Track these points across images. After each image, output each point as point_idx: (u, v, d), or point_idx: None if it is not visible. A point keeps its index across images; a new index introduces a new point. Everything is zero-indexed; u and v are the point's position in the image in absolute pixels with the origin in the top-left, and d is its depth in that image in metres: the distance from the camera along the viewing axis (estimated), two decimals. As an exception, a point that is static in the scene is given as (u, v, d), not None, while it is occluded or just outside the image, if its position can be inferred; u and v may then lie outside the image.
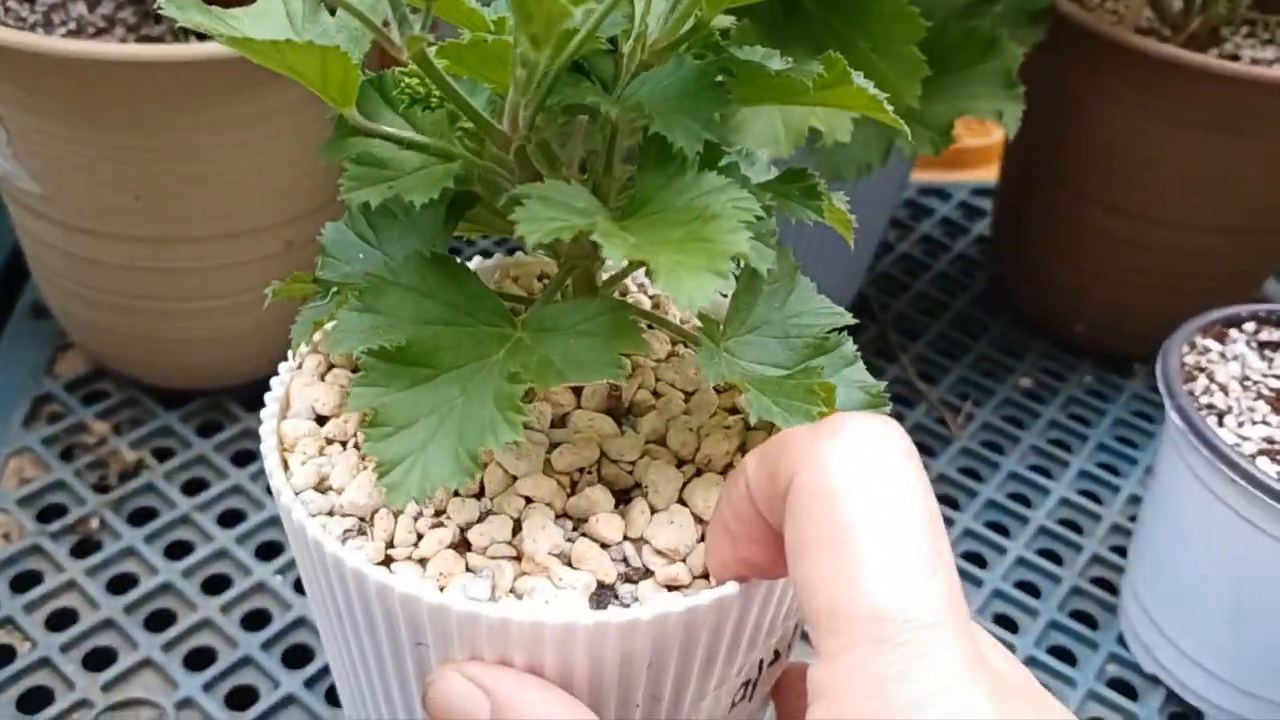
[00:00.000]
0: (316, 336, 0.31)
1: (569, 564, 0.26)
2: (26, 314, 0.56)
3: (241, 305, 0.48)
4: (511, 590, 0.26)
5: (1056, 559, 0.50)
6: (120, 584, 0.45)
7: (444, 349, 0.26)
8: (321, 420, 0.30)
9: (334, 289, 0.28)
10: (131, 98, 0.41)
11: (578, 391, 0.30)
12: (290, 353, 0.31)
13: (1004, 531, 0.52)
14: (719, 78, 0.26)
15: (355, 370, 0.30)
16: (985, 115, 0.44)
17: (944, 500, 0.52)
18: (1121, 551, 0.51)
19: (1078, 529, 0.52)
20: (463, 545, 0.27)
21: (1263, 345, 0.45)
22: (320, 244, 0.29)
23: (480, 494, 0.28)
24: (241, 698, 0.42)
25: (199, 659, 0.43)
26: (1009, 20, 0.48)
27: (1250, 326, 0.46)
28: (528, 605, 0.25)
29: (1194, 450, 0.40)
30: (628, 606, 0.26)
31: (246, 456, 0.51)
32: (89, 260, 0.46)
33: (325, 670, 0.43)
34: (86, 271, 0.46)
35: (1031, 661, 0.46)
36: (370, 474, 0.27)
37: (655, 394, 0.31)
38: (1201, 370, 0.44)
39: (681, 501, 0.28)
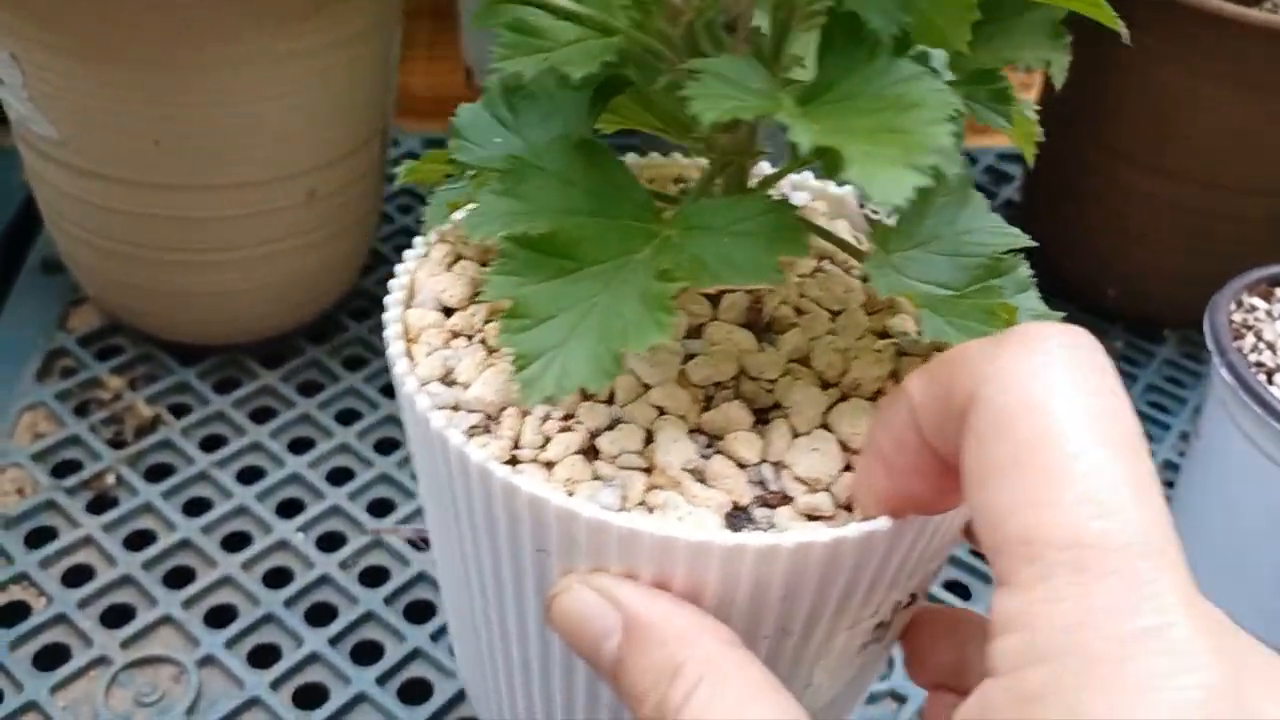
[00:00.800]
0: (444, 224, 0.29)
1: (702, 481, 0.25)
2: (37, 269, 0.55)
3: (261, 257, 0.47)
4: (641, 503, 0.25)
5: (1091, 524, 0.49)
6: (138, 540, 0.44)
7: (587, 241, 0.24)
8: (448, 311, 0.28)
9: (471, 172, 0.27)
10: (150, 36, 0.39)
11: (715, 302, 0.29)
12: (423, 238, 0.30)
13: (1037, 496, 0.51)
14: None
15: (484, 263, 0.29)
16: (1032, 64, 0.43)
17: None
18: (1157, 517, 0.50)
19: (1112, 494, 0.51)
20: (590, 452, 0.25)
21: (1310, 304, 0.44)
22: (453, 125, 0.27)
23: (610, 401, 0.26)
24: (265, 655, 0.41)
25: (220, 616, 0.42)
26: (1054, -31, 0.46)
27: (1298, 285, 0.45)
28: (660, 519, 0.24)
29: (1244, 407, 0.39)
30: (764, 531, 0.24)
31: (265, 413, 0.49)
32: (106, 208, 0.44)
33: (349, 629, 0.42)
34: (103, 220, 0.45)
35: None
36: (498, 370, 0.26)
37: (798, 310, 0.29)
38: (1249, 328, 0.42)
39: (825, 427, 0.27)
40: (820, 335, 0.28)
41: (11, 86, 0.43)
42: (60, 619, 0.41)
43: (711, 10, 0.24)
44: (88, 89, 0.41)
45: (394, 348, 0.27)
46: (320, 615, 0.42)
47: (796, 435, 0.26)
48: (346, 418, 0.50)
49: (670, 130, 0.29)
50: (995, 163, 0.71)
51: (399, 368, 0.27)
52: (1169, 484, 0.51)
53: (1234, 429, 0.40)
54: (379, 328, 0.53)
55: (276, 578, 0.43)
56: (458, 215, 0.29)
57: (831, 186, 0.34)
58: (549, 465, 0.25)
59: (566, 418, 0.26)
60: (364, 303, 0.55)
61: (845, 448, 0.26)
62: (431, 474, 0.27)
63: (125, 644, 0.40)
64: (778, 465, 0.26)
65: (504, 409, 0.26)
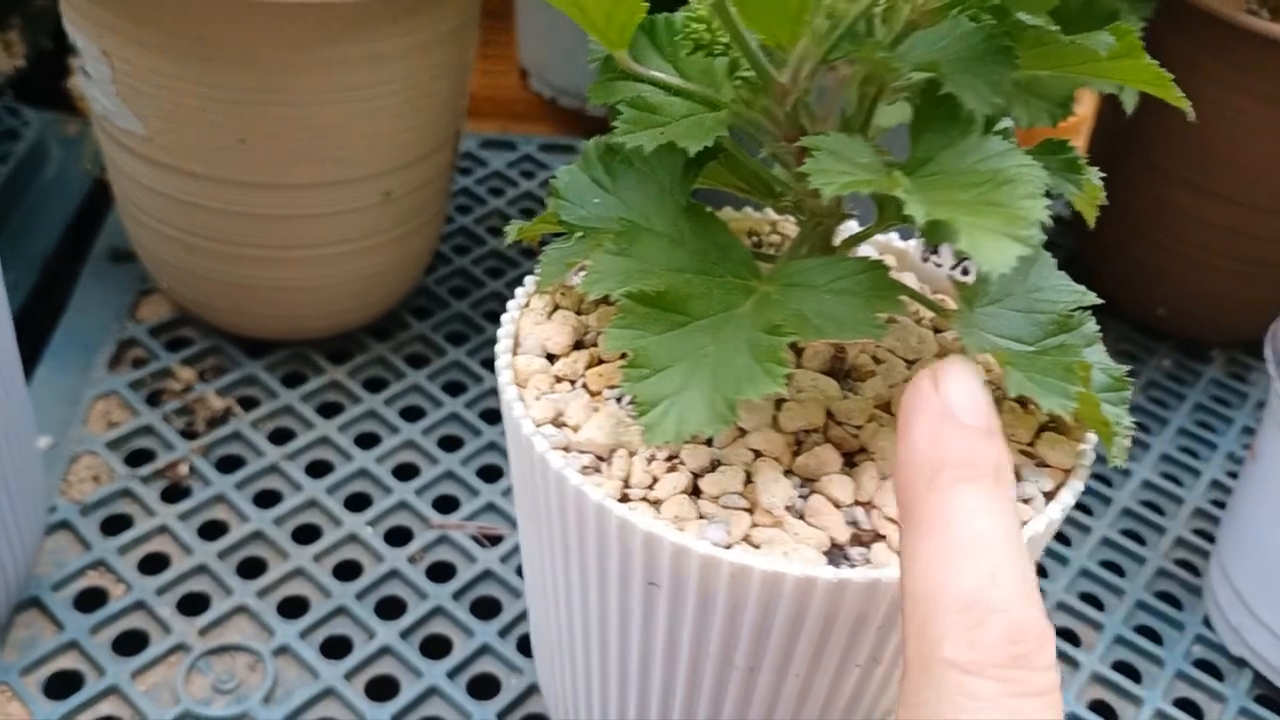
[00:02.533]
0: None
1: (802, 519, 0.27)
2: (104, 257, 0.56)
3: (336, 255, 0.47)
4: (746, 539, 0.26)
5: (1140, 540, 0.50)
6: (211, 530, 0.45)
7: (695, 297, 0.26)
8: (550, 358, 0.30)
9: (578, 232, 0.28)
10: (246, 36, 0.40)
11: (799, 352, 0.31)
12: (533, 286, 0.31)
13: (1089, 511, 0.51)
14: (1006, 42, 0.26)
15: (578, 311, 0.31)
16: (1105, 89, 0.43)
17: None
18: (1203, 534, 0.51)
19: (1160, 511, 0.52)
20: (694, 492, 0.27)
21: (1370, 331, 0.45)
22: (553, 186, 0.29)
23: (709, 443, 0.28)
24: (337, 647, 0.42)
25: (293, 607, 0.43)
26: (1124, -7, 0.47)
27: (1358, 312, 0.45)
28: (768, 555, 0.25)
29: (1307, 433, 0.40)
30: (862, 567, 0.26)
31: (332, 408, 0.50)
32: (188, 203, 0.45)
33: (419, 623, 0.43)
34: (185, 215, 0.46)
35: (1120, 640, 0.46)
36: (607, 414, 0.28)
37: (875, 360, 0.31)
38: (1311, 353, 0.43)
39: None
40: (899, 383, 0.30)
41: (99, 81, 0.43)
42: (139, 605, 0.42)
43: (808, 89, 0.26)
44: (177, 87, 0.42)
45: (508, 393, 0.29)
46: (390, 609, 0.43)
47: (884, 477, 0.28)
48: (410, 415, 0.51)
49: (753, 191, 0.30)
50: (1042, 177, 0.72)
51: (515, 411, 0.28)
52: (1218, 504, 0.52)
53: (1295, 453, 0.41)
54: (440, 326, 0.55)
55: (346, 570, 0.44)
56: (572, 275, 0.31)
57: (895, 241, 0.36)
58: (656, 504, 0.27)
59: (671, 459, 0.28)
60: (425, 301, 0.56)
61: None
62: (542, 510, 0.29)
63: (203, 631, 0.41)
64: (868, 506, 0.28)
65: (614, 450, 0.28)
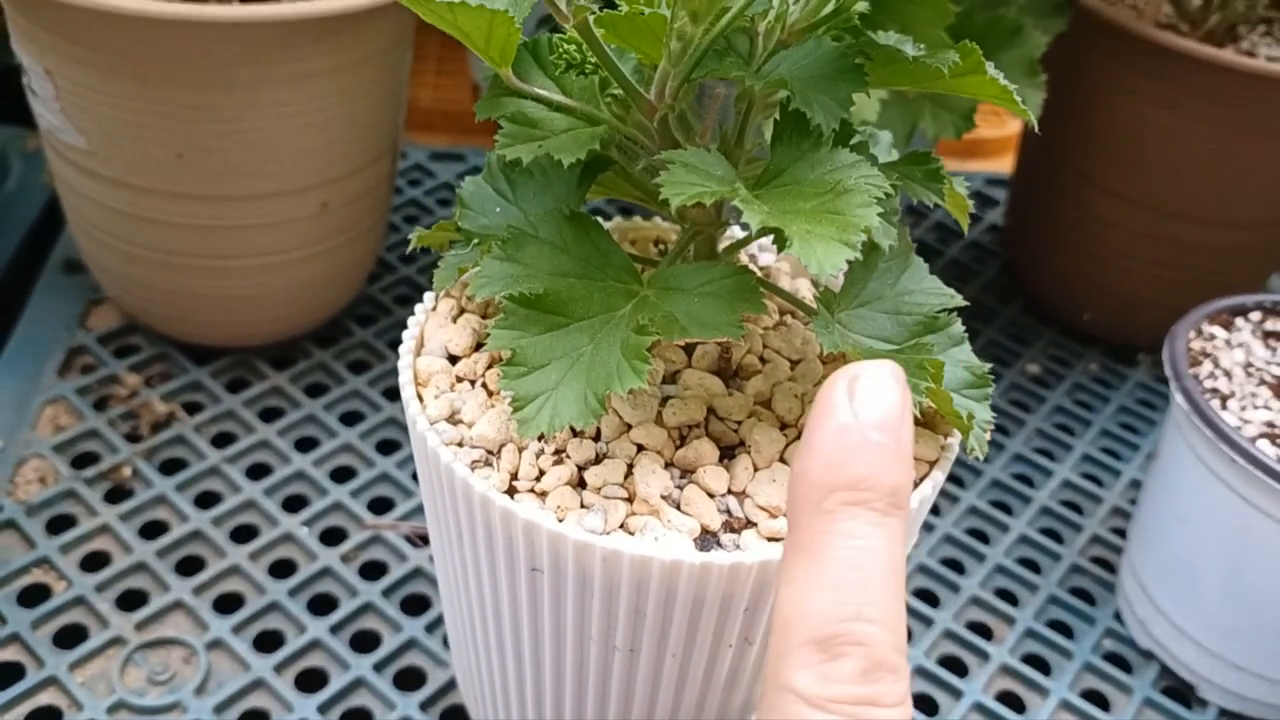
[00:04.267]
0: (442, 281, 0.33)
1: (677, 508, 0.29)
2: (59, 268, 0.57)
3: (275, 265, 0.49)
4: (622, 526, 0.28)
5: (1057, 538, 0.52)
6: (152, 530, 0.46)
7: (576, 300, 0.28)
8: (453, 359, 0.32)
9: (475, 239, 0.30)
10: (180, 55, 0.42)
11: (689, 351, 0.33)
12: (432, 294, 0.33)
13: (1008, 510, 0.53)
14: (857, 60, 0.28)
15: (484, 316, 0.33)
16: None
17: (951, 478, 0.53)
18: (1120, 533, 0.52)
19: (1079, 510, 0.54)
20: (579, 483, 0.29)
21: (1267, 335, 0.47)
22: (458, 196, 0.31)
23: (597, 438, 0.30)
24: (270, 641, 0.43)
25: (228, 603, 0.44)
26: (1033, 10, 0.49)
27: (1256, 316, 0.47)
28: (639, 540, 0.27)
29: (1197, 431, 0.42)
30: (730, 551, 0.28)
31: (273, 413, 0.52)
32: (130, 215, 0.47)
33: (350, 618, 0.44)
34: (127, 226, 0.47)
35: (1031, 634, 0.47)
36: (499, 411, 0.30)
37: (762, 360, 0.33)
38: (1207, 355, 0.45)
39: (783, 461, 0.30)
40: (781, 381, 0.32)
41: (44, 98, 0.45)
42: (79, 601, 0.43)
43: (683, 104, 0.28)
44: (116, 103, 0.43)
45: (406, 392, 0.31)
46: (322, 605, 0.45)
47: (758, 469, 0.30)
48: (350, 419, 0.52)
49: (648, 201, 0.32)
50: (982, 187, 0.74)
51: (411, 409, 0.30)
52: (1131, 501, 0.54)
53: (1188, 451, 0.43)
54: (383, 333, 0.56)
55: (281, 569, 0.46)
56: (464, 277, 0.32)
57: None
58: (542, 495, 0.29)
59: (558, 453, 0.30)
60: (369, 309, 0.58)
61: None
62: (439, 503, 0.31)
63: (139, 626, 0.43)
64: (741, 495, 0.30)
65: (503, 445, 0.30)
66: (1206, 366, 0.44)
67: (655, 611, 0.28)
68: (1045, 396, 0.59)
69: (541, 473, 0.29)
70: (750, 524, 0.29)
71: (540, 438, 0.30)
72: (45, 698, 0.40)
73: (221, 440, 0.50)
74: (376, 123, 0.48)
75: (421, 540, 0.47)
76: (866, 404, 0.20)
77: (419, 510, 0.49)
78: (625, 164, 0.31)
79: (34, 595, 0.44)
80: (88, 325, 0.54)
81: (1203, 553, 0.43)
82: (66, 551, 0.45)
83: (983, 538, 0.51)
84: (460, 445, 0.30)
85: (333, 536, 0.47)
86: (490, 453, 0.30)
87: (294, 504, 0.48)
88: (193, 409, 0.51)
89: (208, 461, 0.49)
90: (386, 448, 0.51)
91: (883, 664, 0.19)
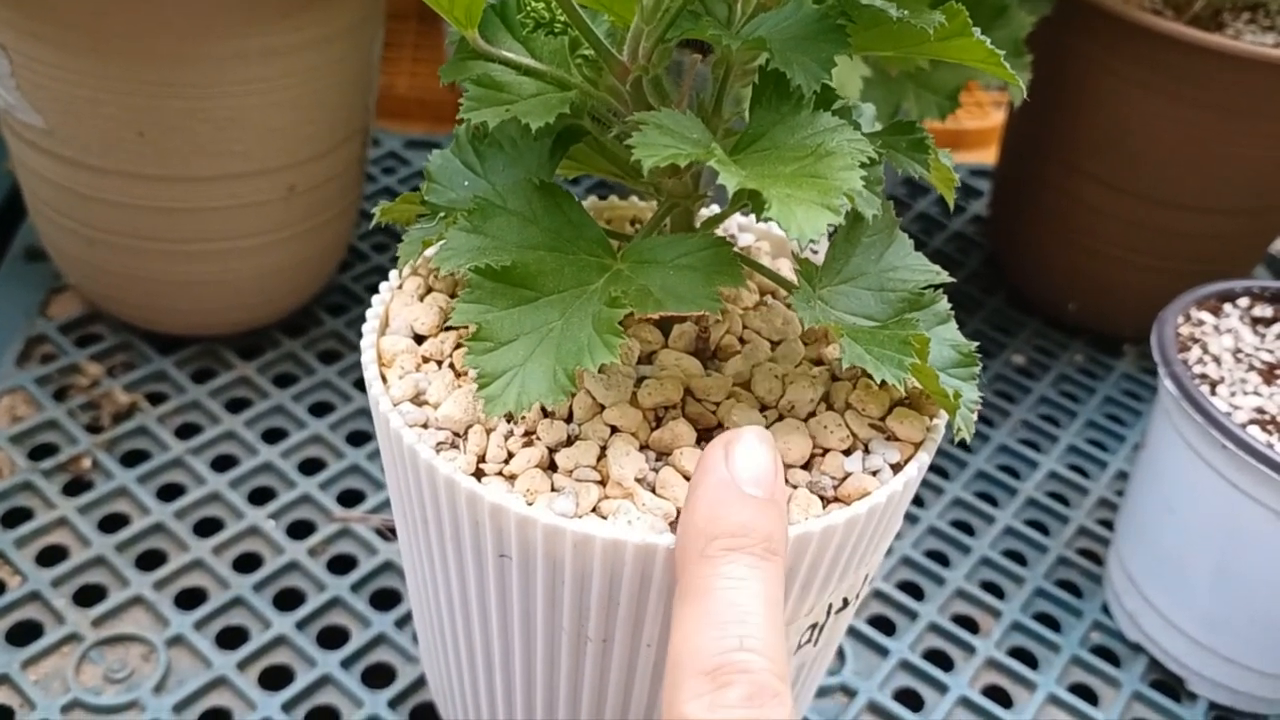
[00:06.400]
0: (417, 258, 0.32)
1: (652, 491, 0.27)
2: (20, 256, 0.56)
3: (242, 250, 0.48)
4: (594, 510, 0.27)
5: (1044, 529, 0.51)
6: (112, 523, 0.45)
7: (546, 273, 0.27)
8: (419, 339, 0.31)
9: (441, 212, 0.29)
10: (139, 28, 0.40)
11: (665, 331, 0.31)
12: (397, 270, 0.32)
13: (993, 502, 0.52)
14: (839, 21, 0.27)
15: (453, 295, 0.32)
16: (990, 83, 0.44)
17: (935, 469, 0.52)
18: (1107, 524, 0.51)
19: (1065, 501, 0.53)
20: (549, 466, 0.28)
21: (1255, 320, 0.46)
22: (426, 169, 0.30)
23: (569, 419, 0.29)
24: (233, 637, 0.42)
25: (190, 598, 0.43)
26: (1017, -9, 0.48)
27: (1244, 301, 0.46)
28: (611, 524, 0.26)
29: (1186, 417, 0.41)
30: None
31: (240, 403, 0.50)
32: (90, 197, 0.45)
33: (317, 613, 0.43)
34: (87, 209, 0.46)
35: (1017, 627, 0.46)
36: (466, 391, 0.29)
37: (741, 340, 0.32)
38: (1195, 341, 0.44)
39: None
40: (761, 362, 0.31)
41: (0, 75, 0.44)
42: (34, 597, 0.42)
43: (658, 67, 0.26)
44: (74, 79, 0.42)
45: (369, 371, 0.29)
46: (288, 600, 0.43)
47: None
48: (319, 410, 0.51)
49: (624, 176, 0.31)
50: (966, 178, 0.73)
51: (374, 390, 0.29)
52: (1117, 493, 0.53)
53: (1177, 438, 0.42)
54: (354, 323, 0.55)
55: (246, 563, 0.44)
56: (430, 251, 0.31)
57: (775, 228, 0.36)
58: (511, 478, 0.28)
59: (528, 434, 0.28)
60: (340, 298, 0.56)
61: (785, 463, 0.28)
62: (403, 486, 0.29)
63: (96, 622, 0.41)
64: None
65: (470, 426, 0.28)
66: (1195, 352, 0.44)
67: (629, 599, 0.27)
68: (1030, 387, 0.58)
69: (510, 455, 0.28)
70: None
71: (509, 418, 0.29)
72: (-3, 697, 0.39)
73: (186, 431, 0.49)
74: (345, 103, 0.47)
75: (392, 533, 0.46)
76: (741, 463, 0.23)
77: (389, 503, 0.47)
78: (597, 133, 0.30)
79: (-13, 591, 0.42)
80: (48, 314, 0.53)
81: (1192, 542, 0.42)
82: (22, 545, 0.43)
83: (968, 530, 0.50)
84: (425, 427, 0.29)
85: (301, 530, 0.46)
86: (457, 434, 0.29)
87: (260, 496, 0.47)
88: (156, 399, 0.50)
89: (171, 453, 0.47)
90: (357, 439, 0.50)
91: (765, 689, 0.21)
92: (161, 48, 0.41)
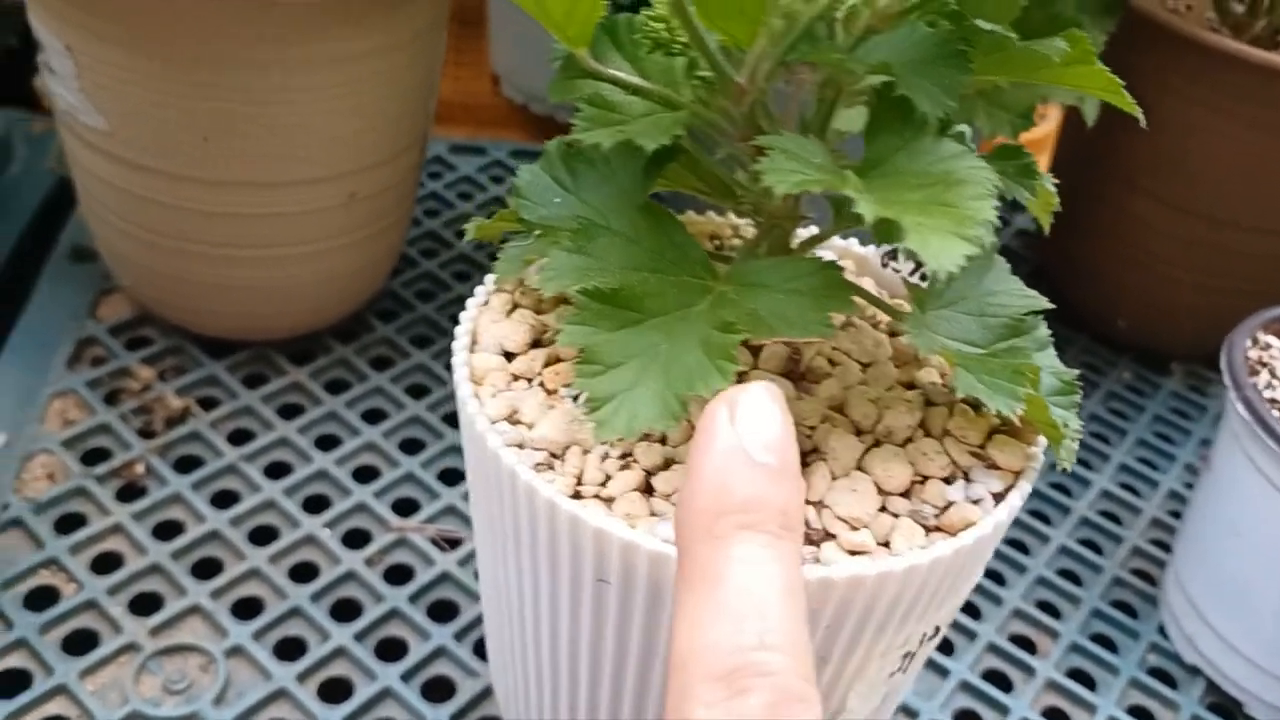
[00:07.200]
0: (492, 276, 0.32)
1: None
2: (65, 256, 0.55)
3: (301, 256, 0.47)
4: None
5: (1098, 549, 0.51)
6: (167, 530, 0.44)
7: (650, 295, 0.27)
8: (508, 356, 0.30)
9: (536, 230, 0.28)
10: (210, 33, 0.40)
11: (755, 353, 0.31)
12: (492, 284, 0.32)
13: (1046, 520, 0.52)
14: (960, 46, 0.26)
15: (540, 311, 0.31)
16: (1065, 100, 0.44)
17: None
18: (1161, 545, 0.51)
19: (1118, 521, 0.52)
20: (646, 489, 0.27)
21: (1322, 344, 0.45)
22: (515, 185, 0.29)
23: (663, 441, 0.28)
24: (291, 648, 0.41)
25: (247, 608, 0.42)
26: (1084, 8, 0.48)
27: (1310, 325, 0.46)
28: None
29: (1258, 441, 0.40)
30: (809, 565, 0.26)
31: (292, 409, 0.50)
32: (149, 200, 0.45)
33: (375, 624, 0.42)
34: (146, 212, 0.45)
35: (1075, 648, 0.46)
36: (562, 412, 0.28)
37: (831, 362, 0.31)
38: (1264, 365, 0.44)
39: (861, 469, 0.28)
40: (853, 385, 0.30)
41: (63, 77, 0.43)
42: (90, 605, 0.41)
43: (767, 90, 0.26)
44: (140, 82, 0.41)
45: (464, 389, 0.29)
46: (346, 611, 0.43)
47: (835, 478, 0.28)
48: (372, 417, 0.50)
49: (714, 193, 0.31)
50: (1008, 191, 0.72)
51: (470, 408, 0.29)
52: (1175, 514, 0.53)
53: (1246, 462, 0.42)
54: (405, 329, 0.55)
55: (303, 572, 0.44)
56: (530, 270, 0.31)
57: (855, 246, 0.36)
58: (609, 501, 0.27)
59: (624, 456, 0.28)
60: (391, 304, 0.56)
61: (880, 490, 0.28)
62: (496, 507, 0.29)
63: (154, 631, 0.41)
64: (819, 505, 0.28)
65: (567, 447, 0.28)
66: (1264, 376, 0.43)
67: None
68: (1080, 404, 0.58)
69: (608, 478, 0.28)
70: (830, 536, 0.28)
71: (616, 440, 0.28)
72: (54, 707, 0.38)
73: (239, 437, 0.48)
74: (408, 110, 0.47)
75: (448, 544, 0.46)
76: (749, 426, 0.20)
77: (445, 512, 0.47)
78: (697, 153, 0.30)
79: (42, 598, 0.41)
80: (98, 316, 0.52)
81: (1258, 566, 0.42)
82: (76, 552, 0.43)
83: (1022, 548, 0.50)
84: (521, 447, 0.28)
85: (356, 539, 0.45)
86: (554, 455, 0.28)
87: (315, 504, 0.46)
88: (208, 404, 0.49)
89: (225, 459, 0.47)
90: (411, 447, 0.49)
91: (790, 693, 0.18)
92: (231, 53, 0.41)
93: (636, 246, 0.28)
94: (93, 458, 0.46)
